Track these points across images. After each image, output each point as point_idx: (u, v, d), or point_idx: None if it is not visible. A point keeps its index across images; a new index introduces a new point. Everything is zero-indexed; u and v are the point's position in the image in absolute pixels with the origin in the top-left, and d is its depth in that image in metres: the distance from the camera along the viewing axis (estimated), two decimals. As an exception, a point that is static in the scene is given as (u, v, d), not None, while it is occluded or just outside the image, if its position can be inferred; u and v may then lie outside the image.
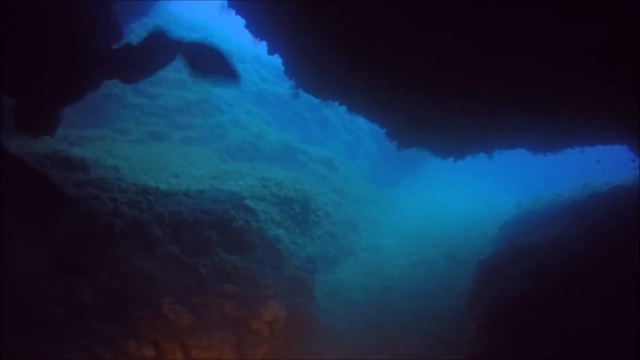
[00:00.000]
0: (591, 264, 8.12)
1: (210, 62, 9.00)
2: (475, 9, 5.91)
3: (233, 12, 9.97)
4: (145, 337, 6.94)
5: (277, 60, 22.35)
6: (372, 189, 20.51)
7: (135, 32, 19.49)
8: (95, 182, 9.21)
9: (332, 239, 14.83)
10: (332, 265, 14.22)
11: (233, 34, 22.56)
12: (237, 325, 8.27)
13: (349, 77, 9.35)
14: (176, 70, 20.41)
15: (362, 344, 10.27)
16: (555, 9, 5.58)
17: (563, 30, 6.06)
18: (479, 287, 9.68)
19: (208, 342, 7.65)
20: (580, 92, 8.43)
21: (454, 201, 21.54)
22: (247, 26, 9.76)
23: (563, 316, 7.38)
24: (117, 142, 16.37)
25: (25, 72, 7.73)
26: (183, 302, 7.74)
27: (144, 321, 7.07)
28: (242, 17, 9.78)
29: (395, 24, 6.57)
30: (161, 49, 9.17)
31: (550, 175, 26.58)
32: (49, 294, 6.38)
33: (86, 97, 17.70)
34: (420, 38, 6.86)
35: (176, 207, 9.46)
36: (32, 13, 7.44)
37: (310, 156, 18.94)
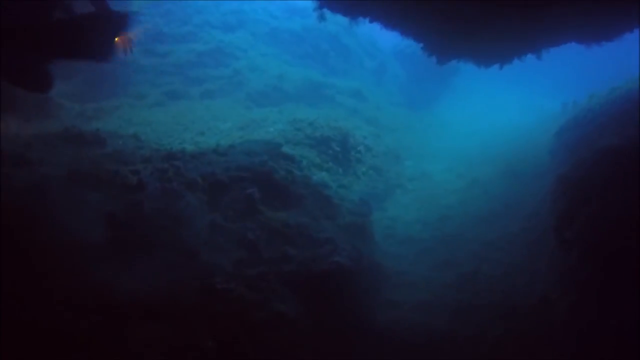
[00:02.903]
0: None
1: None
2: None
3: None
4: (202, 329, 5.64)
5: (284, -7, 20.00)
6: (406, 114, 18.68)
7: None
8: (113, 156, 7.78)
9: (377, 174, 13.29)
10: (382, 201, 12.74)
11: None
12: (301, 294, 6.93)
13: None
14: (181, 23, 18.69)
15: (437, 285, 8.91)
16: None
17: None
18: (567, 206, 8.07)
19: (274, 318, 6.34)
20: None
21: (492, 113, 19.59)
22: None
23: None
24: (136, 109, 14.91)
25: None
26: (237, 278, 6.40)
27: (198, 312, 5.75)
28: None
29: None
30: None
31: (588, 72, 24.29)
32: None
33: (94, 67, 16.44)
34: None
35: (208, 168, 8.00)
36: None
37: (337, 89, 17.13)
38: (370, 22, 8.81)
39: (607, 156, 8.17)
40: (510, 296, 8.26)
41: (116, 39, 6.91)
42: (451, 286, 8.81)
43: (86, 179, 6.42)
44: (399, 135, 16.33)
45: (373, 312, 8.08)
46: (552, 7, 9.41)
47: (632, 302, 6.34)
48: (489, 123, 18.11)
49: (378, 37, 21.60)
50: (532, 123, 17.23)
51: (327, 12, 8.57)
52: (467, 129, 17.58)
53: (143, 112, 14.62)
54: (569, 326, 7.06)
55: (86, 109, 14.07)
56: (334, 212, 8.96)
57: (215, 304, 5.84)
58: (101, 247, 5.50)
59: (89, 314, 4.91)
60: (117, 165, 7.28)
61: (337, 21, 20.39)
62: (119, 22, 6.96)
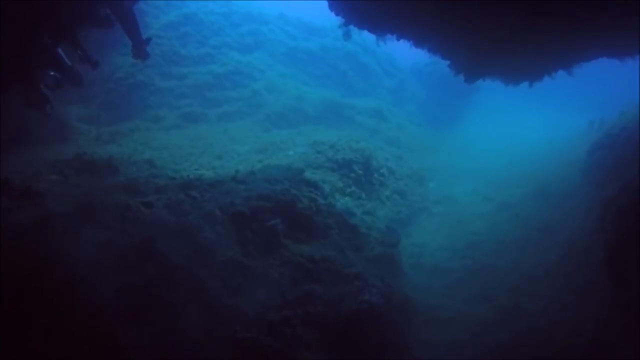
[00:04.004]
0: None
1: None
2: None
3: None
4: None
5: (301, 14, 19.63)
6: (427, 133, 17.90)
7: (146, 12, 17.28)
8: (126, 185, 7.11)
9: (401, 198, 12.50)
10: (407, 226, 11.93)
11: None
12: (328, 337, 6.14)
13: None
14: (198, 45, 18.20)
15: (473, 322, 8.06)
16: None
17: None
18: (620, 236, 7.20)
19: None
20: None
21: (514, 130, 18.70)
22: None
23: None
24: (153, 132, 14.34)
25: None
26: (259, 324, 5.64)
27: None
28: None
29: None
30: None
31: (609, 89, 23.33)
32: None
33: (111, 90, 15.95)
34: None
35: (227, 198, 7.29)
36: None
37: (357, 110, 16.43)
38: (398, 39, 8.09)
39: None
40: (556, 336, 7.38)
41: None
42: (489, 323, 7.95)
43: (95, 213, 5.74)
44: (421, 155, 15.54)
45: (405, 352, 7.26)
46: (587, 21, 8.72)
47: None
48: (512, 141, 17.24)
49: (396, 55, 20.96)
50: (557, 141, 16.33)
51: (352, 30, 7.86)
52: (490, 147, 16.72)
53: (160, 135, 14.05)
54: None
55: (103, 133, 13.54)
56: (361, 242, 8.19)
57: (236, 356, 5.08)
58: (108, 295, 4.78)
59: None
60: (130, 196, 6.60)
61: (355, 40, 19.91)
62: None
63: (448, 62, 10.11)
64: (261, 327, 5.64)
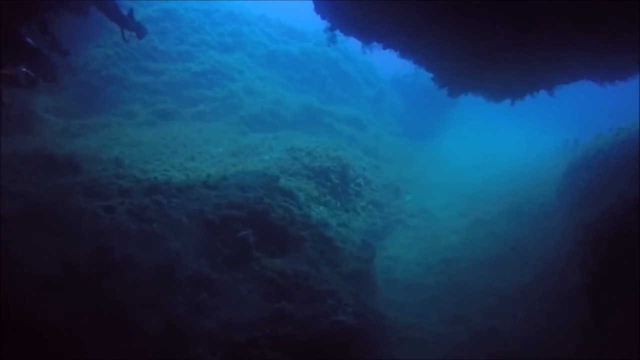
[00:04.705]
0: None
1: None
2: None
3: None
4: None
5: (283, 17, 19.04)
6: (405, 144, 17.58)
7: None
8: (86, 186, 6.47)
9: (377, 209, 12.08)
10: (382, 239, 11.52)
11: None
12: (299, 360, 5.63)
13: (401, 9, 6.44)
14: (177, 42, 17.52)
15: (448, 344, 7.66)
16: None
17: None
18: (600, 262, 6.90)
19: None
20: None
21: (493, 147, 18.55)
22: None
23: None
24: (124, 128, 13.58)
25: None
26: (224, 345, 5.10)
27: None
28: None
29: None
30: None
31: (590, 110, 23.53)
32: None
33: (83, 82, 15.16)
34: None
35: (196, 205, 6.72)
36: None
37: (335, 117, 15.98)
38: (384, 48, 7.66)
39: (632, 208, 7.05)
40: (532, 363, 7.03)
41: None
42: (463, 345, 7.56)
43: (46, 217, 5.12)
44: (398, 166, 15.19)
45: (378, 374, 6.81)
46: (572, 44, 8.53)
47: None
48: (489, 157, 17.06)
49: (377, 65, 20.62)
50: (533, 159, 16.21)
51: (338, 36, 7.39)
52: (466, 162, 16.51)
53: (131, 131, 13.32)
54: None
55: (71, 125, 12.73)
56: (336, 256, 7.70)
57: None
58: (55, 314, 4.18)
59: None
60: (89, 199, 5.98)
61: (336, 47, 19.48)
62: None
63: (432, 75, 9.76)
64: (226, 349, 5.10)
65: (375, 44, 7.45)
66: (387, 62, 16.60)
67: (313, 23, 7.70)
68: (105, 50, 15.57)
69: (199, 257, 5.89)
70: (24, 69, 5.94)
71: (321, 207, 10.05)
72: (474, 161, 16.61)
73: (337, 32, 7.24)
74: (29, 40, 6.20)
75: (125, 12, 7.50)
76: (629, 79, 11.11)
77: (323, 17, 7.08)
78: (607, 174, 10.58)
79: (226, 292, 5.72)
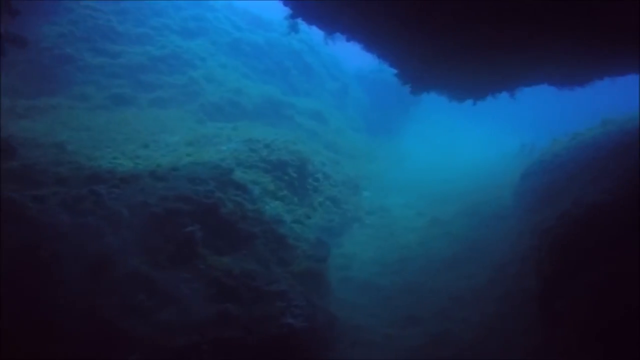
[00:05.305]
0: None
1: None
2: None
3: None
4: None
5: (250, 5, 18.43)
6: (366, 140, 17.32)
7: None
8: (19, 173, 5.89)
9: (334, 205, 11.78)
10: (338, 236, 11.22)
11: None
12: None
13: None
14: (137, 23, 16.72)
15: (401, 347, 7.41)
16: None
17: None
18: (554, 268, 6.76)
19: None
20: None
21: (454, 146, 18.55)
22: None
23: None
24: (76, 111, 12.81)
25: None
26: (161, 351, 4.67)
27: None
28: None
29: None
30: None
31: (547, 114, 23.87)
32: None
33: (33, 60, 14.25)
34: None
35: (140, 196, 6.23)
36: None
37: (297, 109, 15.57)
38: (348, 40, 7.31)
39: (596, 213, 6.95)
40: (483, 368, 6.87)
41: None
42: (416, 349, 7.33)
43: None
44: (358, 162, 14.93)
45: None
46: (534, 49, 8.48)
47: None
48: (448, 157, 17.03)
49: (342, 59, 20.29)
50: (491, 161, 16.25)
51: (300, 24, 6.98)
52: (427, 160, 16.41)
53: (83, 115, 12.58)
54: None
55: (17, 106, 11.90)
56: (288, 255, 7.34)
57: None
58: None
59: None
60: (20, 187, 5.42)
61: (302, 39, 19.04)
62: None
63: (395, 71, 9.50)
64: (164, 355, 4.68)
65: (338, 35, 7.08)
66: (352, 57, 16.33)
67: (280, 13, 7.31)
68: (59, 28, 14.70)
69: (139, 254, 5.43)
70: None
71: (277, 202, 9.67)
72: (434, 160, 16.54)
73: (300, 20, 6.83)
74: None
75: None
76: (587, 85, 11.22)
77: (285, 4, 6.66)
78: (562, 179, 10.58)
79: (166, 293, 5.28)
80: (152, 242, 5.75)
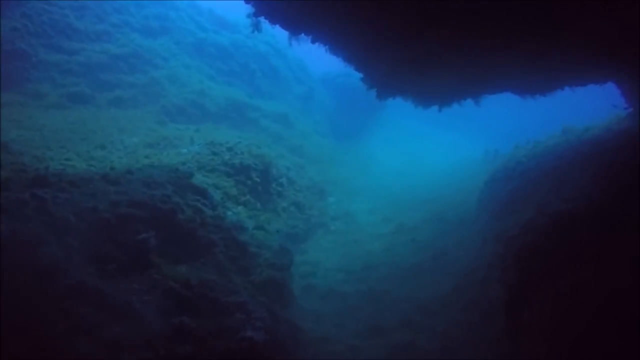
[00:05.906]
0: None
1: None
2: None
3: None
4: None
5: (215, 6, 17.99)
6: (332, 144, 17.10)
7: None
8: (-48, 174, 5.35)
9: (299, 211, 11.48)
10: (302, 243, 10.94)
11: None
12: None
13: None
14: (96, 20, 16.04)
15: (364, 358, 7.16)
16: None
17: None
18: (521, 278, 6.62)
19: None
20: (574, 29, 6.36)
21: (419, 151, 18.53)
22: None
23: None
24: (29, 109, 12.14)
25: None
26: (105, 372, 4.25)
27: None
28: None
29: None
30: None
31: (511, 122, 24.23)
32: None
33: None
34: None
35: (89, 201, 5.77)
36: None
37: (262, 112, 15.21)
38: (313, 42, 7.01)
39: (561, 222, 6.87)
40: (450, 380, 6.67)
41: None
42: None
43: None
44: (323, 167, 14.67)
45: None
46: (499, 57, 8.45)
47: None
48: (414, 162, 16.96)
49: (308, 62, 20.04)
50: (456, 167, 16.25)
51: (264, 23, 6.64)
52: (392, 166, 16.29)
53: (37, 113, 11.91)
54: None
55: (-38, 103, 11.17)
56: (249, 263, 6.98)
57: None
58: None
59: None
60: (-48, 190, 4.90)
61: (267, 41, 18.70)
62: None
63: (361, 75, 9.28)
64: (108, 376, 4.26)
65: (303, 36, 6.78)
66: (318, 61, 16.07)
67: (245, 14, 6.99)
68: (11, 22, 13.91)
69: (85, 265, 4.97)
70: None
71: (239, 207, 9.30)
72: (400, 165, 16.44)
73: (263, 19, 6.50)
74: None
75: None
76: (549, 94, 11.30)
77: (247, 2, 6.32)
78: (525, 186, 10.55)
79: (116, 306, 4.84)
80: (101, 250, 5.31)
